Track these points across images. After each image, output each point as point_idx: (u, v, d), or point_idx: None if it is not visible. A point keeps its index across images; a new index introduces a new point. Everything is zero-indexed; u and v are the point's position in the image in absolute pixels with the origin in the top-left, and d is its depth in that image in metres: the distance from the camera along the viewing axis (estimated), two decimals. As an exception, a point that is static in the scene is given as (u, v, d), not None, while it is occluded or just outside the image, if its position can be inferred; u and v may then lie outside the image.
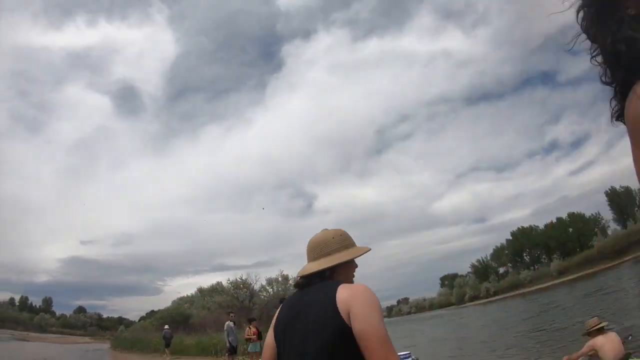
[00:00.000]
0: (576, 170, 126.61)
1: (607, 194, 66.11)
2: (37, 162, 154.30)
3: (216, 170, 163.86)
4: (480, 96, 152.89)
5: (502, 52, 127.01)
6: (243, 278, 36.56)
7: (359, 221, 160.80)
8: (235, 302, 35.05)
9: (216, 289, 39.13)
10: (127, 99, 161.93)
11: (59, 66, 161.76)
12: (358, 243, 2.03)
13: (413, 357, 8.75)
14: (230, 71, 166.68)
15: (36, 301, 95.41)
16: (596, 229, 65.57)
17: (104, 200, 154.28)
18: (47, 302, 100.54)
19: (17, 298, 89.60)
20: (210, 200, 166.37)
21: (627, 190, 63.38)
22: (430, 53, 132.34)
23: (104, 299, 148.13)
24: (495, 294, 72.83)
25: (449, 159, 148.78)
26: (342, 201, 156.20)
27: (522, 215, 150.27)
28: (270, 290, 36.60)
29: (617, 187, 65.19)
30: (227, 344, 12.16)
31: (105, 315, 74.36)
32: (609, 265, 49.83)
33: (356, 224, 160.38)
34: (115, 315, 71.77)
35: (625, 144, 0.88)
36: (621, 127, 0.91)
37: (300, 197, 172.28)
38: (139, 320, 56.46)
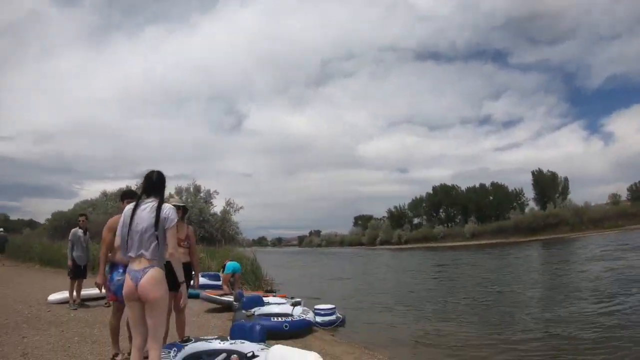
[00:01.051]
0: (502, 148, 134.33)
1: (533, 174, 69.29)
2: None
3: (151, 73, 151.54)
4: (431, 54, 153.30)
5: (464, 18, 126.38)
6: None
7: (286, 149, 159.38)
8: None
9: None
10: None
11: None
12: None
13: (338, 313, 7.83)
14: None
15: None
16: (515, 204, 69.11)
17: (28, 91, 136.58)
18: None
19: None
20: (140, 104, 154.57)
21: (553, 176, 67.34)
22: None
23: (19, 200, 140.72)
24: (407, 242, 75.11)
25: (385, 106, 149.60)
26: (273, 125, 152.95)
27: (442, 175, 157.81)
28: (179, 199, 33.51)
29: (545, 170, 68.61)
30: (70, 262, 7.85)
31: (16, 218, 66.76)
32: (521, 240, 52.41)
33: (282, 151, 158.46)
34: (27, 218, 64.50)
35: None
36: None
37: (232, 114, 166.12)
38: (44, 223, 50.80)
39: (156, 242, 2.87)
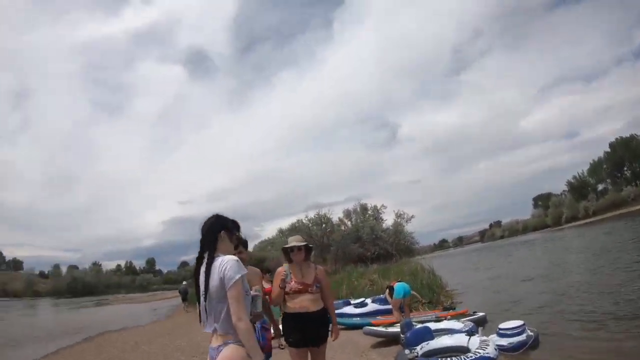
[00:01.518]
0: None
1: None
2: (124, 140, 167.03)
3: (296, 114, 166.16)
4: (556, 2, 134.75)
5: None
6: (321, 213, 32.72)
7: (444, 146, 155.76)
8: (310, 240, 32.62)
9: (295, 227, 36.51)
10: (198, 63, 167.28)
11: (126, 48, 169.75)
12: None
13: (529, 329, 5.87)
14: (293, 14, 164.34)
15: (141, 264, 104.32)
16: None
17: (194, 161, 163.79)
18: (150, 263, 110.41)
19: (123, 264, 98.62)
20: (293, 144, 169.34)
21: None
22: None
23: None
24: (595, 214, 66.18)
25: (531, 73, 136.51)
26: (425, 127, 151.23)
27: (614, 128, 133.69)
28: (349, 223, 32.78)
29: None
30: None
31: None
32: None
33: (441, 149, 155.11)
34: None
35: None
36: None
37: (383, 128, 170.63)
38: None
39: (226, 310, 2.17)
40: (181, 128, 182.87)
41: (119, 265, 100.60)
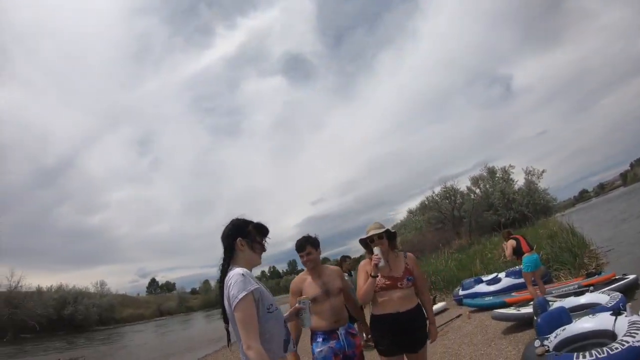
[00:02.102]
0: None
1: None
2: (247, 155, 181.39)
3: (403, 92, 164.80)
4: None
5: None
6: (448, 185, 30.59)
7: (563, 88, 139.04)
8: (440, 216, 31.06)
9: (425, 205, 35.07)
10: (296, 68, 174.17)
11: (225, 74, 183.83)
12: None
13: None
14: None
15: (284, 267, 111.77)
16: None
17: (317, 160, 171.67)
18: (292, 265, 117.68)
19: (266, 269, 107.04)
20: (408, 122, 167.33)
21: None
22: None
23: (346, 244, 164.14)
24: None
25: None
26: (539, 73, 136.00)
27: None
28: (477, 190, 30.42)
29: None
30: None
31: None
32: None
33: (561, 92, 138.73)
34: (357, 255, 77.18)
35: None
36: None
37: (494, 84, 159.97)
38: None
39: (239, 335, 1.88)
40: (298, 132, 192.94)
41: (263, 272, 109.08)
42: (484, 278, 10.90)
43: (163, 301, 57.79)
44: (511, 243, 7.75)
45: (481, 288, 10.20)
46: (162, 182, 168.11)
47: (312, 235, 3.35)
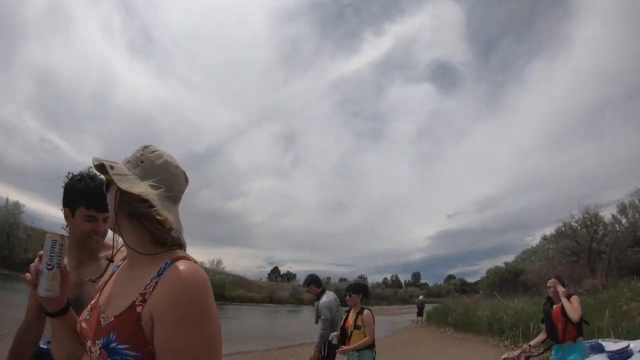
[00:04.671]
0: None
1: None
2: (388, 162, 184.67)
3: (554, 104, 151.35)
4: None
5: None
6: (590, 211, 25.77)
7: None
8: (576, 246, 26.87)
9: (561, 232, 30.41)
10: (444, 76, 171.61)
11: (372, 79, 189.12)
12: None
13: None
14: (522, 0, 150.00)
15: (408, 277, 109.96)
16: None
17: (458, 172, 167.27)
18: (416, 276, 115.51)
19: (389, 277, 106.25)
20: (558, 139, 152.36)
21: None
22: None
23: (477, 264, 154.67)
24: None
25: None
26: None
27: None
28: (624, 220, 25.19)
29: None
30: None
31: (471, 280, 77.04)
32: None
33: None
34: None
35: None
36: None
37: None
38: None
39: None
40: (441, 142, 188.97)
41: (385, 279, 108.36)
42: (606, 345, 6.23)
43: (277, 289, 60.59)
44: None
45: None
46: (302, 178, 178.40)
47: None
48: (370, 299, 5.02)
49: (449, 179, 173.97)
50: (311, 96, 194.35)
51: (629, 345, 6.67)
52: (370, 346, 4.39)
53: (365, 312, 4.50)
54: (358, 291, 4.64)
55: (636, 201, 24.51)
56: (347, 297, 4.63)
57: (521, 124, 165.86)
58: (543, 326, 4.83)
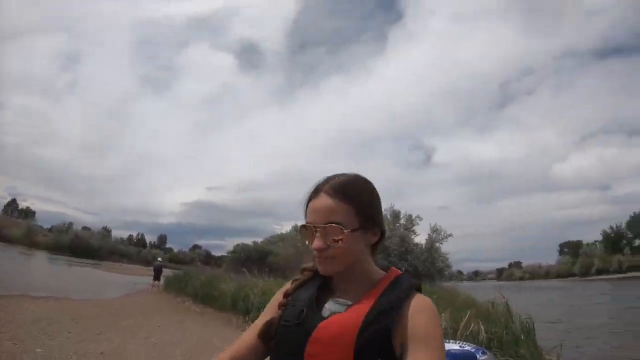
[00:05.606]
0: None
1: None
2: (165, 119, 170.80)
3: (336, 120, 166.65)
4: (612, 50, 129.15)
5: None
6: None
7: (478, 177, 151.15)
8: None
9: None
10: (249, 55, 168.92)
11: (182, 31, 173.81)
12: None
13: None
14: (350, 23, 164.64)
15: (153, 239, 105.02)
16: None
17: (230, 150, 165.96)
18: (162, 239, 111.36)
19: (135, 235, 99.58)
20: (330, 150, 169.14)
21: None
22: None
23: (224, 239, 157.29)
24: (629, 269, 61.67)
25: (575, 118, 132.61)
26: (461, 155, 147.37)
27: None
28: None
29: None
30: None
31: (217, 254, 78.30)
32: None
33: (473, 180, 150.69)
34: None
35: None
36: None
37: (419, 149, 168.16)
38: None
39: None
40: (223, 116, 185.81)
41: (130, 236, 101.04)
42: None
43: (9, 225, 49.91)
44: None
45: None
46: (73, 107, 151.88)
47: None
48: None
49: (220, 153, 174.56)
50: (111, 21, 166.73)
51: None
52: None
53: None
54: None
55: (388, 215, 28.01)
56: None
57: (302, 125, 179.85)
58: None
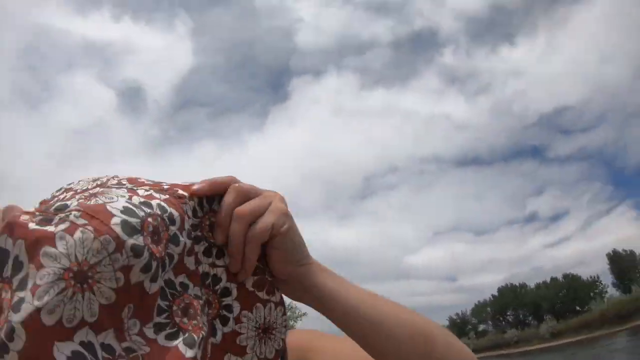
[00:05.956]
0: (552, 244, 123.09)
1: (609, 256, 62.52)
2: (30, 139, 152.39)
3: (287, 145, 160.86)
4: (471, 160, 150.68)
5: (499, 123, 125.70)
6: None
7: (333, 263, 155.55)
8: None
9: None
10: (132, 98, 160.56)
11: (73, 51, 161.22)
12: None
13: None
14: (237, 93, 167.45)
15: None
16: (592, 293, 62.67)
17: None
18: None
19: None
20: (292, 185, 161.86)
21: (631, 254, 59.68)
22: (432, 113, 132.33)
23: None
24: (475, 351, 63.91)
25: (430, 216, 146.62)
26: (319, 240, 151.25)
27: (493, 280, 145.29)
28: None
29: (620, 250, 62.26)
30: None
31: None
32: (609, 331, 45.59)
33: (331, 264, 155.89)
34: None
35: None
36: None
37: None
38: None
39: None
40: (90, 153, 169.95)
41: None
42: None
43: None
44: None
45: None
46: None
47: None
48: None
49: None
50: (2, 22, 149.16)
51: None
52: None
53: None
54: None
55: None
56: None
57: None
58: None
